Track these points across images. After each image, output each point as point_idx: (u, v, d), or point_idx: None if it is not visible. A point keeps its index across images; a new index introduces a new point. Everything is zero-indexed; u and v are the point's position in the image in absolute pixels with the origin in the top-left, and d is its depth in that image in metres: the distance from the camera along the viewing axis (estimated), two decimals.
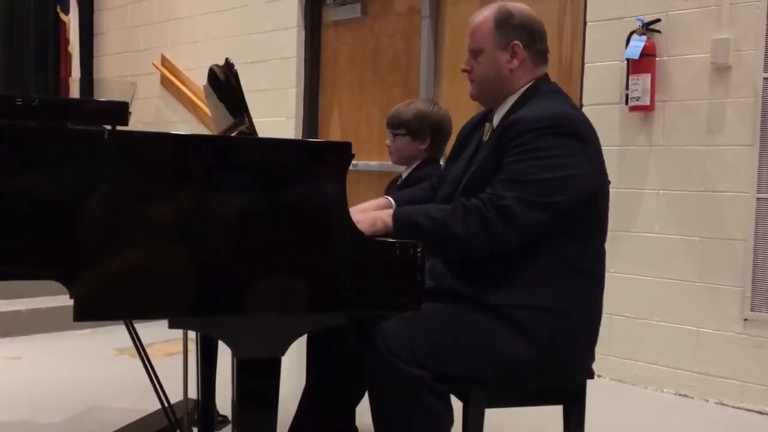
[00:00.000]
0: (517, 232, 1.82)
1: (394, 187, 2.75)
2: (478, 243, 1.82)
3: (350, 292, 1.63)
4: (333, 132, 5.18)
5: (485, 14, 2.01)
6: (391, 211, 1.89)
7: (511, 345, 1.85)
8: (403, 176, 2.72)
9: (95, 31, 6.88)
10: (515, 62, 1.99)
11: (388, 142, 2.75)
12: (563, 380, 1.98)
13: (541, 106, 1.93)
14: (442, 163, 2.76)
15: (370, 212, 1.91)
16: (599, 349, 2.04)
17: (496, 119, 2.05)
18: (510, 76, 2.01)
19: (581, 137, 1.90)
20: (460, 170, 2.08)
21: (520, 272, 1.88)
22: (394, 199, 2.29)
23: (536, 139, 1.85)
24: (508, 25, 1.99)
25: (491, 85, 2.03)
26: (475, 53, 2.03)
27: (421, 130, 2.66)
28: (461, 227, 1.80)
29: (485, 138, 2.07)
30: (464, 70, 2.07)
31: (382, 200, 2.29)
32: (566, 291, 1.89)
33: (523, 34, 1.99)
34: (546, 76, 2.06)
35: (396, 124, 2.69)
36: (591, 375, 2.02)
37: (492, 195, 1.82)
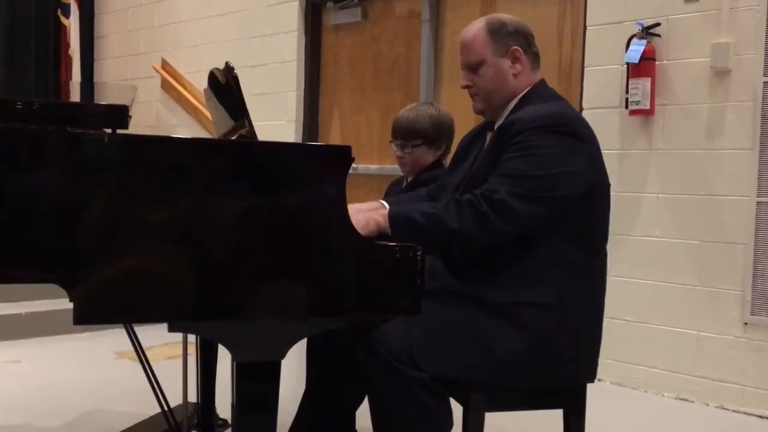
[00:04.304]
0: (509, 222, 1.83)
1: (396, 190, 2.74)
2: (472, 236, 1.83)
3: (350, 296, 1.63)
4: (333, 136, 5.18)
5: (476, 28, 2.05)
6: (384, 212, 1.89)
7: (512, 342, 1.85)
8: (409, 179, 2.69)
9: (96, 34, 6.89)
10: (518, 67, 2.03)
11: (399, 153, 2.64)
12: (565, 381, 1.97)
13: (538, 108, 1.96)
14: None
15: (363, 212, 1.91)
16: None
17: (497, 127, 2.06)
18: (513, 82, 2.03)
19: (578, 136, 1.92)
20: (459, 178, 2.09)
21: (520, 270, 1.89)
22: (394, 203, 2.29)
23: (532, 137, 1.87)
24: (503, 33, 2.02)
25: (497, 94, 2.05)
26: (473, 67, 2.05)
27: (439, 137, 2.61)
28: (455, 221, 1.82)
29: (485, 146, 2.09)
30: (465, 86, 2.08)
31: (374, 203, 2.30)
32: (567, 290, 1.90)
33: (519, 39, 2.03)
34: (543, 81, 2.08)
35: (411, 135, 2.59)
36: (593, 378, 2.02)
37: (485, 190, 1.85)
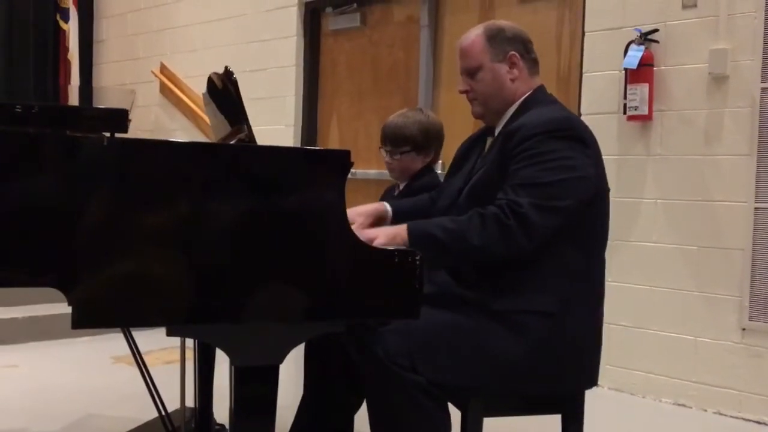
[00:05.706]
0: (533, 238, 1.83)
1: (390, 196, 2.74)
2: (495, 252, 1.83)
3: (349, 299, 1.63)
4: (331, 140, 5.18)
5: (474, 34, 2.07)
6: (405, 226, 1.87)
7: (511, 349, 1.85)
8: (401, 187, 2.69)
9: (95, 39, 6.89)
10: (515, 72, 2.04)
11: (388, 159, 2.63)
12: (566, 386, 1.97)
13: (541, 112, 1.97)
14: (439, 171, 2.75)
15: (389, 227, 1.91)
16: None
17: (497, 132, 2.07)
18: (511, 87, 2.05)
19: (583, 140, 1.93)
20: (460, 182, 2.10)
21: (523, 277, 1.89)
22: (393, 207, 2.29)
23: (540, 144, 1.87)
24: (500, 38, 2.04)
25: (494, 99, 2.06)
26: (471, 72, 2.06)
27: (428, 143, 2.61)
28: (478, 237, 1.81)
29: (486, 151, 2.09)
30: (463, 92, 2.10)
31: (378, 205, 2.29)
32: (568, 296, 1.90)
33: (517, 45, 2.05)
34: (542, 87, 2.09)
35: (400, 141, 2.59)
36: (594, 383, 2.01)
37: (509, 201, 1.83)
